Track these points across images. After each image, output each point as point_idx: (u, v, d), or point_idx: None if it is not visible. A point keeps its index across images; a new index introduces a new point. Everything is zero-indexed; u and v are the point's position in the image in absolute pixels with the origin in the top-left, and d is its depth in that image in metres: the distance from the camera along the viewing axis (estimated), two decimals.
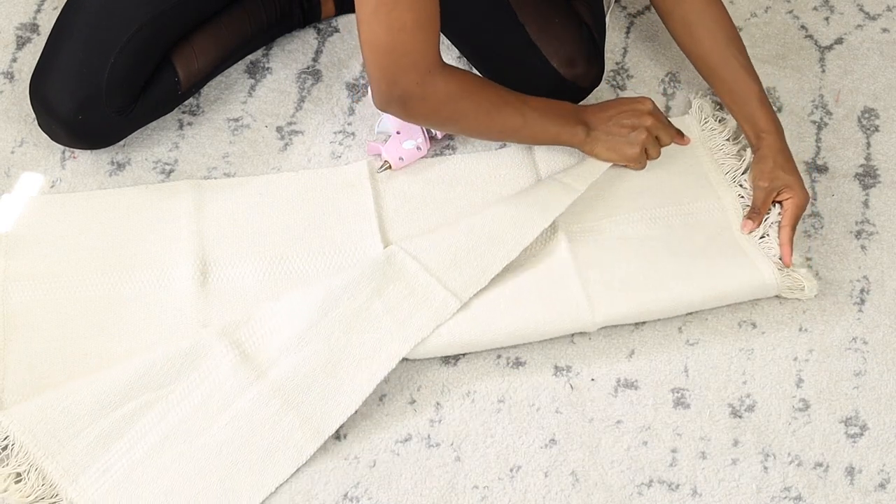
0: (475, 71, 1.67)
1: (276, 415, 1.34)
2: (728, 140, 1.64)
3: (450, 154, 1.62)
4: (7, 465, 1.29)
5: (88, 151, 1.58)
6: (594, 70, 1.60)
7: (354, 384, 1.36)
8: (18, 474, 1.29)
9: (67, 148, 1.58)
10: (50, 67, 1.48)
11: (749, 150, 1.62)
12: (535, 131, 1.50)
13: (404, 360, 1.43)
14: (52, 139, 1.54)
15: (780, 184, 1.51)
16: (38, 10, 1.73)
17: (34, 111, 1.51)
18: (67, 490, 1.28)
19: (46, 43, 1.51)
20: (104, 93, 1.47)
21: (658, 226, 1.54)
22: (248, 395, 1.35)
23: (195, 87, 1.60)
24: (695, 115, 1.67)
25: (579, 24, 1.59)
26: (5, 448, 1.30)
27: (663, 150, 1.59)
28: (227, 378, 1.35)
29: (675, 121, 1.66)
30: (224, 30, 1.60)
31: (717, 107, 1.67)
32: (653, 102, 1.55)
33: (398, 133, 1.57)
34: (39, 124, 1.52)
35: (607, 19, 1.70)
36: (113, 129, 1.53)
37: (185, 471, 1.31)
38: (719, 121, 1.66)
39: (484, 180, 1.58)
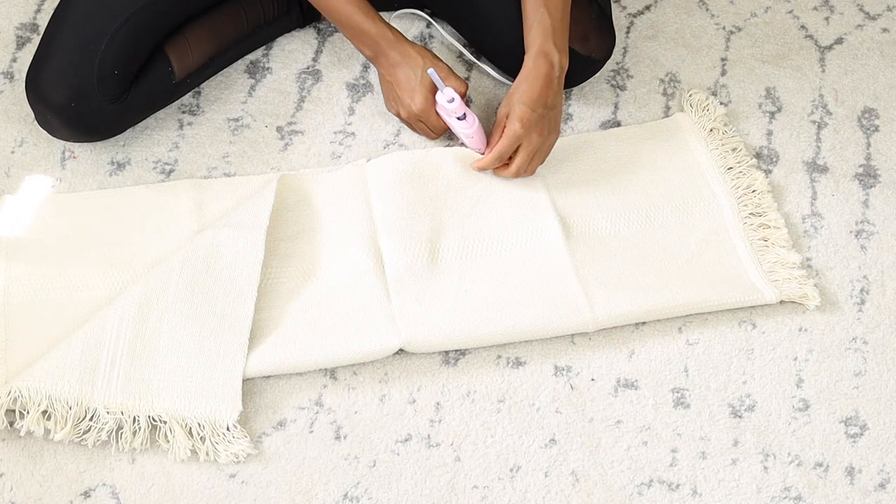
0: (486, 66, 1.69)
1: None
2: (723, 132, 1.64)
3: None
4: (28, 411, 1.31)
5: (89, 151, 1.58)
6: (607, 42, 1.63)
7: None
8: (45, 411, 1.32)
9: (67, 147, 1.58)
10: (44, 58, 1.49)
11: (743, 144, 1.64)
12: (339, 22, 1.55)
13: (404, 355, 1.43)
14: (49, 133, 1.54)
15: (506, 111, 1.52)
16: (38, 10, 1.73)
17: (30, 105, 1.51)
18: (93, 398, 1.32)
19: (42, 36, 1.51)
20: (96, 80, 1.47)
21: (653, 227, 1.55)
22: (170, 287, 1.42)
23: (191, 78, 1.60)
24: (688, 111, 1.67)
25: (589, 1, 1.62)
26: (16, 401, 1.32)
27: (659, 147, 1.62)
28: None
29: (669, 119, 1.67)
30: (219, 23, 1.61)
31: (716, 101, 1.68)
32: (423, 106, 1.55)
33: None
34: (36, 118, 1.53)
35: None
36: (109, 120, 1.53)
37: (173, 329, 1.38)
38: (713, 111, 1.66)
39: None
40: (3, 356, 1.37)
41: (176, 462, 1.33)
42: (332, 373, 1.42)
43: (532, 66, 1.49)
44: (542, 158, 1.54)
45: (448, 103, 1.53)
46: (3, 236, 1.48)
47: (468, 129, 1.55)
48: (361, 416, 1.39)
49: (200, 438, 1.33)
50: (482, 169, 1.55)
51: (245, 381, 1.38)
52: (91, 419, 1.33)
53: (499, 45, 1.63)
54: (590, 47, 1.61)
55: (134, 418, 1.33)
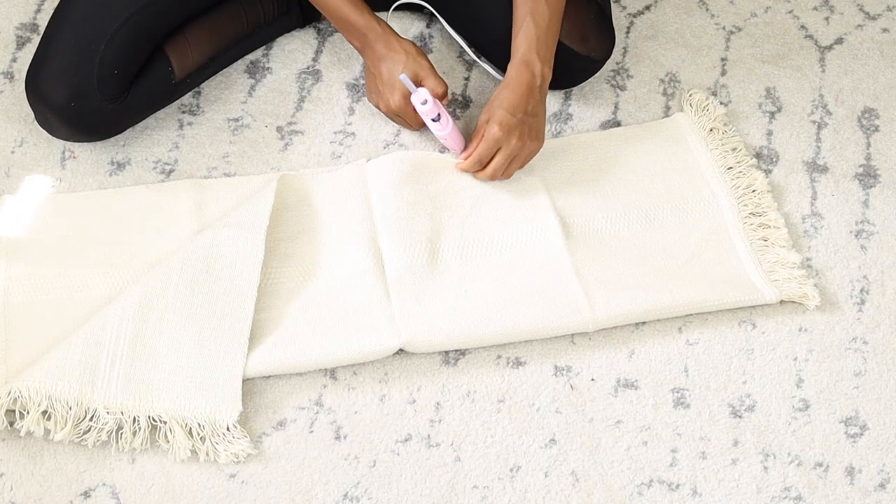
0: (485, 65, 1.69)
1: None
2: (723, 132, 1.64)
3: None
4: (28, 412, 1.31)
5: (89, 151, 1.58)
6: (606, 42, 1.63)
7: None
8: (45, 412, 1.32)
9: (67, 147, 1.58)
10: (44, 58, 1.49)
11: (743, 143, 1.64)
12: (329, 13, 1.56)
13: (404, 355, 1.43)
14: (49, 133, 1.54)
15: (486, 116, 1.51)
16: (38, 10, 1.73)
17: (30, 104, 1.51)
18: (93, 398, 1.33)
19: (42, 36, 1.52)
20: (96, 79, 1.47)
21: (653, 226, 1.55)
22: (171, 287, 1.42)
23: (190, 78, 1.60)
24: (688, 111, 1.67)
25: (588, 1, 1.61)
26: (16, 401, 1.31)
27: (659, 147, 1.62)
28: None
29: (669, 119, 1.67)
30: (219, 23, 1.60)
31: (716, 101, 1.68)
32: (401, 104, 1.56)
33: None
34: (36, 118, 1.53)
35: None
36: (109, 119, 1.53)
37: (173, 329, 1.38)
38: (713, 111, 1.66)
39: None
40: (3, 356, 1.37)
41: (176, 462, 1.33)
42: (332, 373, 1.42)
43: (514, 74, 1.50)
44: (521, 164, 1.54)
45: (421, 105, 1.53)
46: (3, 236, 1.48)
47: (442, 132, 1.55)
48: (361, 416, 1.39)
49: (200, 438, 1.33)
50: (463, 171, 1.55)
51: (245, 381, 1.38)
52: (91, 419, 1.33)
53: (496, 44, 1.63)
54: (589, 47, 1.61)
55: (134, 418, 1.33)
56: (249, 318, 1.40)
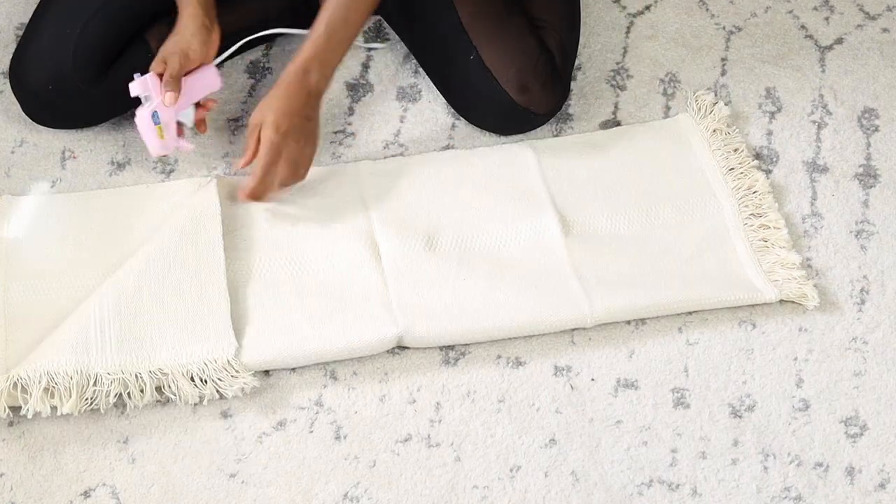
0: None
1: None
2: (726, 133, 1.64)
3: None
4: (30, 392, 1.31)
5: (89, 151, 1.58)
6: (550, 97, 1.58)
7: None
8: (46, 389, 1.32)
9: (67, 147, 1.58)
10: (25, 46, 1.53)
11: (744, 144, 1.63)
12: None
13: (404, 355, 1.43)
14: (34, 121, 1.57)
15: (259, 119, 1.44)
16: None
17: (14, 94, 1.55)
18: (90, 365, 1.33)
19: (25, 27, 1.55)
20: (72, 62, 1.49)
21: (653, 225, 1.55)
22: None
23: None
24: (692, 111, 1.67)
25: (536, 48, 1.56)
26: (16, 385, 1.31)
27: (661, 147, 1.63)
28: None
29: (672, 119, 1.67)
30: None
31: (721, 103, 1.68)
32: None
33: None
34: (21, 108, 1.56)
35: None
36: (89, 104, 1.55)
37: (152, 286, 1.40)
38: (718, 112, 1.67)
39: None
40: (3, 356, 1.37)
41: (176, 462, 1.33)
42: (332, 373, 1.42)
43: (291, 80, 1.44)
44: (300, 168, 1.47)
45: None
46: (3, 236, 1.48)
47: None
48: (361, 416, 1.39)
49: (203, 381, 1.35)
50: (247, 195, 1.48)
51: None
52: (94, 384, 1.33)
53: (449, 79, 1.62)
54: (529, 99, 1.56)
55: (136, 375, 1.34)
56: (222, 264, 1.43)
